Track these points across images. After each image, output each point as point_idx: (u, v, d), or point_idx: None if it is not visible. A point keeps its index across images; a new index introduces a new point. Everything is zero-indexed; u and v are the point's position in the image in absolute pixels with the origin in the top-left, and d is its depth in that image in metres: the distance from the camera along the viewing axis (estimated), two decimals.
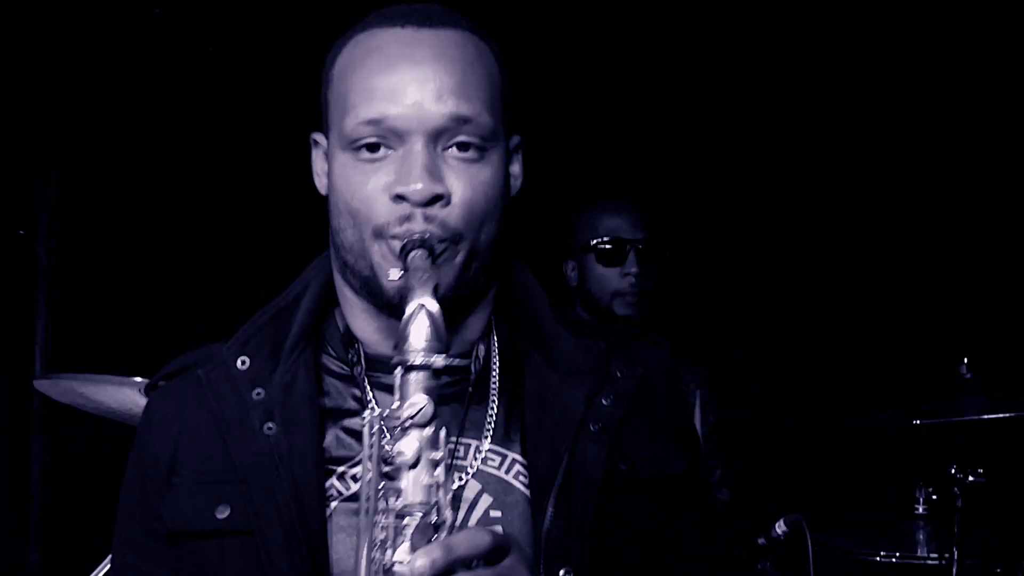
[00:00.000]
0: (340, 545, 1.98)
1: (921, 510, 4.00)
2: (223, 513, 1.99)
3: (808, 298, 5.37)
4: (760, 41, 5.28)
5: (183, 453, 2.05)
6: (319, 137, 2.11)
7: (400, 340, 1.80)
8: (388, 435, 1.82)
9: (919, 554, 3.91)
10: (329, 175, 2.05)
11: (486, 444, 2.05)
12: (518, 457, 2.04)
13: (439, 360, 1.79)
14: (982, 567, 3.74)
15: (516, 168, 2.11)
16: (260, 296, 2.19)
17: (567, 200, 4.66)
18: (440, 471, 1.79)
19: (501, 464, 2.05)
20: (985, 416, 3.74)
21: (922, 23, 5.13)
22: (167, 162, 5.15)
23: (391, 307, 1.97)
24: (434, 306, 1.81)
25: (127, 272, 5.14)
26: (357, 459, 1.99)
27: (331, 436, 2.05)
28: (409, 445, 1.78)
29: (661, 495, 2.08)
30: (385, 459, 1.80)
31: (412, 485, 1.78)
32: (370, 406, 1.99)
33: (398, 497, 1.78)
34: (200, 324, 4.97)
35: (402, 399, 1.79)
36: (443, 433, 1.80)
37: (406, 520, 1.77)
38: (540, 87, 4.92)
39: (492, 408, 2.08)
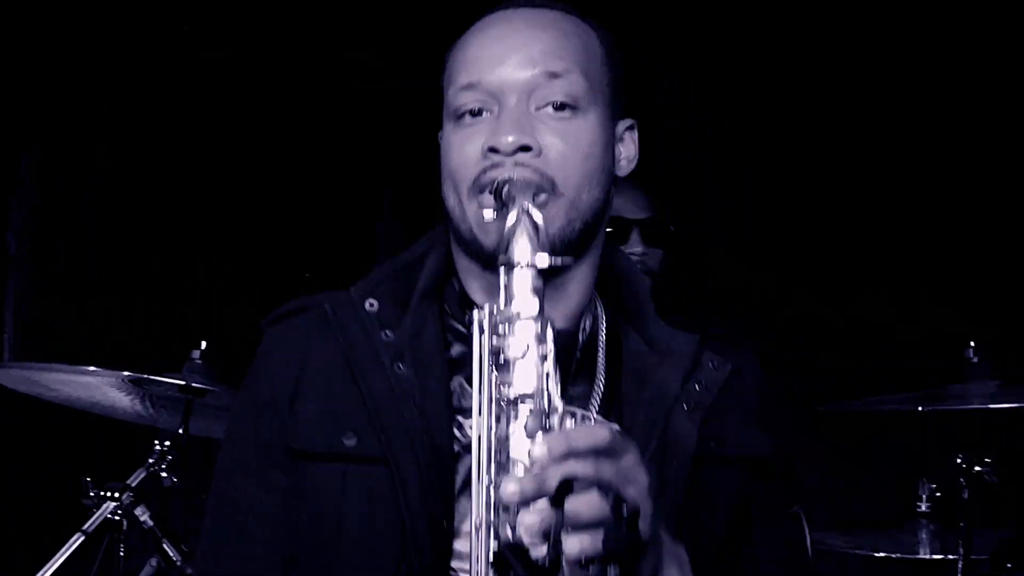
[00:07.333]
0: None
1: (924, 507, 3.82)
2: (350, 440, 2.04)
3: (812, 280, 5.30)
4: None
5: (306, 383, 2.11)
6: (440, 134, 2.17)
7: (503, 243, 1.87)
8: (497, 331, 1.86)
9: (921, 554, 3.77)
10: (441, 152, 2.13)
11: (592, 415, 2.10)
12: (617, 428, 2.00)
13: (543, 258, 1.85)
14: (990, 563, 3.56)
15: (626, 150, 2.17)
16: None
17: None
18: (549, 363, 1.83)
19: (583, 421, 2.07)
20: (992, 405, 3.58)
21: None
22: (145, 152, 5.26)
23: (492, 262, 1.97)
24: (536, 214, 1.88)
25: (103, 263, 5.19)
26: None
27: (455, 383, 2.11)
28: (517, 339, 1.83)
29: (748, 475, 2.14)
30: (495, 352, 1.85)
31: (522, 375, 1.82)
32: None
33: (509, 388, 1.82)
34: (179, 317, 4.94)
35: (508, 298, 1.85)
36: (549, 327, 1.84)
37: (519, 407, 1.80)
38: None
39: (600, 382, 2.13)
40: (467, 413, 2.05)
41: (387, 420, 2.04)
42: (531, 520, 1.69)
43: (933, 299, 5.11)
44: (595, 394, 2.12)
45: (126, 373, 3.53)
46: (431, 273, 2.17)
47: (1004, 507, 3.73)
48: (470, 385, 2.03)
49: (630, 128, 2.19)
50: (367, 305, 2.13)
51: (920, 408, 3.65)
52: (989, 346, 3.67)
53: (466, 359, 2.06)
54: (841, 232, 5.29)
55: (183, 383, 3.58)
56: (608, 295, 2.21)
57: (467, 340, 2.07)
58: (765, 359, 2.27)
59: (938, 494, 3.78)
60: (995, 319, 4.80)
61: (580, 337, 2.15)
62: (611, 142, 2.13)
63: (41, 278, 5.11)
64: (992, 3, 5.04)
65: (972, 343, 3.66)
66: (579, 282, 2.13)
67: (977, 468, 3.54)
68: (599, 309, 2.19)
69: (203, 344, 3.69)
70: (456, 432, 2.08)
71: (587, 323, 2.16)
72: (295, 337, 2.16)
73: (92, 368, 3.54)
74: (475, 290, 2.14)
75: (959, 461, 3.57)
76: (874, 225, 5.24)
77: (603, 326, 2.18)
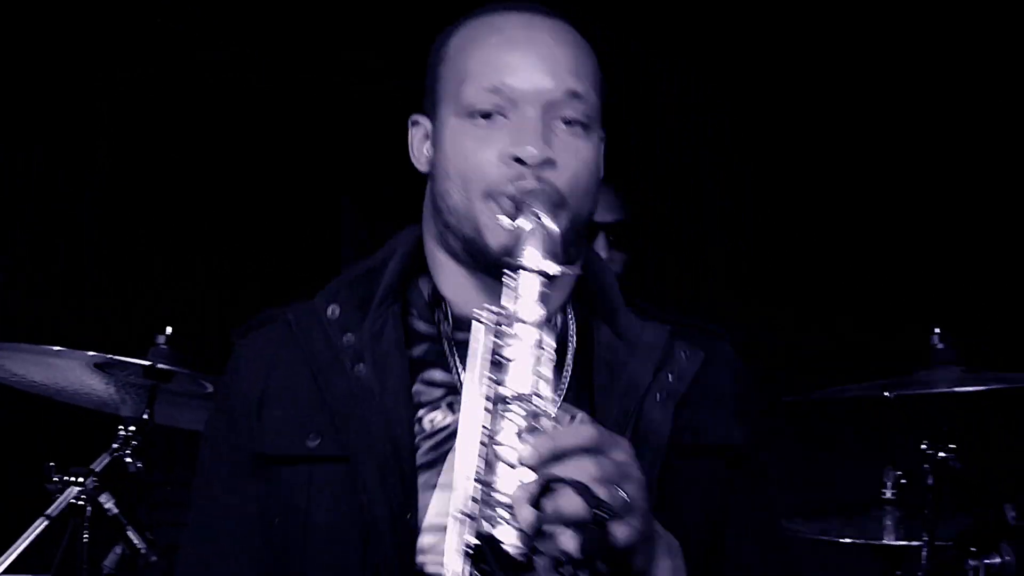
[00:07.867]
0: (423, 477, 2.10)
1: (889, 494, 3.83)
2: (313, 442, 2.10)
3: (776, 266, 5.33)
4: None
5: (272, 390, 2.16)
6: (419, 118, 2.22)
7: (516, 248, 1.96)
8: (498, 332, 1.94)
9: (886, 540, 3.78)
10: (437, 143, 2.17)
11: (559, 403, 2.11)
12: (587, 417, 2.07)
13: (553, 267, 1.94)
14: (955, 549, 3.53)
15: (601, 160, 2.24)
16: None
17: None
18: (544, 368, 1.91)
19: (572, 421, 2.09)
20: (957, 389, 3.57)
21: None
22: (145, 152, 5.32)
23: (493, 266, 2.06)
24: (552, 225, 1.97)
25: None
26: (436, 404, 2.13)
27: (416, 380, 2.16)
28: (517, 341, 1.91)
29: (722, 465, 2.18)
30: (493, 351, 1.91)
31: (517, 376, 1.89)
32: (485, 307, 2.00)
33: (503, 387, 1.89)
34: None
35: (513, 300, 1.94)
36: (550, 334, 1.94)
37: (510, 405, 1.87)
38: None
39: (567, 371, 2.18)
40: (429, 408, 2.15)
41: (347, 418, 2.10)
42: (526, 515, 1.77)
43: (898, 285, 5.10)
44: (562, 384, 2.16)
45: (91, 354, 3.54)
46: (392, 276, 2.21)
47: (968, 493, 3.68)
48: (430, 384, 2.16)
49: (602, 138, 2.25)
50: (329, 312, 2.19)
51: (886, 394, 3.61)
52: (954, 332, 3.65)
53: (429, 358, 2.18)
54: (837, 232, 5.27)
55: (148, 364, 3.58)
56: (579, 290, 2.25)
57: (431, 340, 2.20)
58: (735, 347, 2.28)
59: (903, 480, 3.77)
60: (960, 304, 4.78)
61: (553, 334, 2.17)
62: (600, 155, 2.21)
63: (41, 277, 5.12)
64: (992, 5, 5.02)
65: (937, 329, 3.64)
66: (560, 289, 2.18)
67: (942, 454, 3.52)
68: (570, 306, 2.24)
69: (168, 329, 3.68)
70: (417, 426, 2.12)
71: (558, 320, 2.20)
72: (261, 347, 2.22)
73: (57, 348, 3.55)
74: (452, 289, 2.19)
75: (924, 447, 3.55)
76: (865, 224, 5.24)
77: (573, 320, 2.23)
